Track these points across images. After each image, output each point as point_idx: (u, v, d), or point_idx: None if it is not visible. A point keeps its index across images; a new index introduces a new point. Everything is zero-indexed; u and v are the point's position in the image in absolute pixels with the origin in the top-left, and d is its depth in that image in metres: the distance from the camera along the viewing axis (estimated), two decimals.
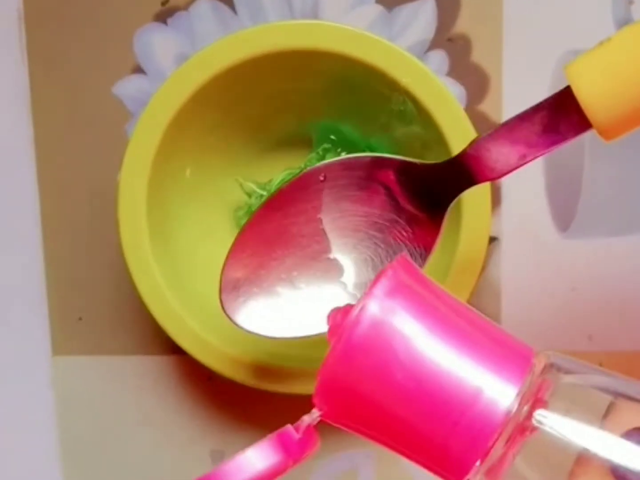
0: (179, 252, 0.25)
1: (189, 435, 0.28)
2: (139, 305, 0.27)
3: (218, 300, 0.20)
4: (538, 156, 0.18)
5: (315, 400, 0.17)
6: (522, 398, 0.15)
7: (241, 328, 0.20)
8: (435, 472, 0.16)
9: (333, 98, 0.24)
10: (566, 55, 0.26)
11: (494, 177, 0.19)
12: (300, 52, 0.23)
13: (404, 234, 0.20)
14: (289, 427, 0.17)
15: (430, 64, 0.26)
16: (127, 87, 0.27)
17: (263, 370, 0.24)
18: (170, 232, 0.25)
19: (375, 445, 0.28)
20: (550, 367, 0.16)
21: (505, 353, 0.16)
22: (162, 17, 0.26)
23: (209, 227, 0.26)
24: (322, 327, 0.19)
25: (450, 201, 0.20)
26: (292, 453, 0.17)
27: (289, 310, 0.20)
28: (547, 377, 0.16)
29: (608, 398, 0.16)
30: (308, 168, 0.20)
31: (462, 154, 0.19)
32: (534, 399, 0.16)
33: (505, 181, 0.26)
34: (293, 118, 0.25)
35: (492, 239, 0.27)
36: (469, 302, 0.26)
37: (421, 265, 0.20)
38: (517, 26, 0.26)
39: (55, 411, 0.28)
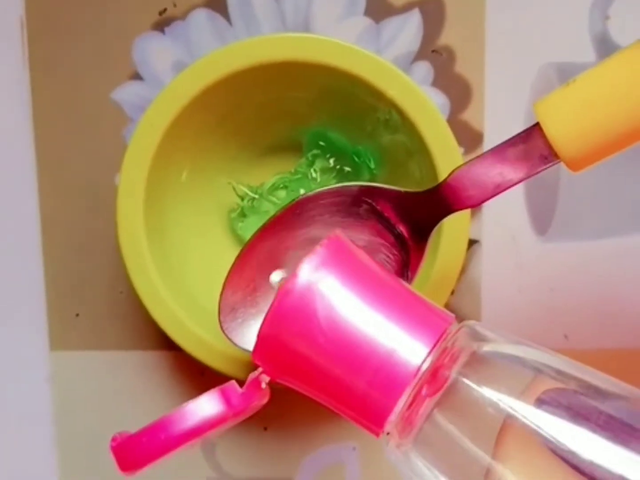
0: (174, 251, 0.25)
1: None
2: (135, 302, 0.27)
3: (215, 315, 0.21)
4: (512, 186, 0.20)
5: (254, 358, 0.18)
6: (437, 358, 0.17)
7: (239, 347, 0.21)
8: (360, 423, 0.18)
9: (323, 107, 0.25)
10: (546, 67, 0.26)
11: (471, 204, 0.20)
12: (292, 63, 0.23)
13: (391, 256, 0.21)
14: (232, 382, 0.18)
15: (415, 75, 0.26)
16: (126, 93, 0.27)
17: (254, 364, 0.24)
18: (166, 232, 0.25)
19: (361, 438, 0.29)
20: (469, 334, 0.18)
21: (424, 319, 0.18)
22: (160, 26, 0.27)
23: (203, 228, 0.26)
24: None
25: (432, 227, 0.21)
26: (234, 406, 0.18)
27: None
28: (465, 343, 0.18)
29: (531, 370, 0.18)
30: (302, 196, 0.21)
31: (442, 184, 0.20)
32: (449, 360, 0.17)
33: None
34: (284, 125, 0.25)
35: (473, 242, 0.27)
36: (449, 301, 0.27)
37: (409, 284, 0.21)
38: (499, 39, 0.26)
39: (52, 405, 0.28)
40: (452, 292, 0.26)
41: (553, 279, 0.27)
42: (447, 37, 0.26)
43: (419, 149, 0.23)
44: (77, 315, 0.28)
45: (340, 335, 0.17)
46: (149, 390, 0.28)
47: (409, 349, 0.17)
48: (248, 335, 0.21)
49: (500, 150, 0.19)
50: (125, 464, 0.18)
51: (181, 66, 0.27)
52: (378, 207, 0.21)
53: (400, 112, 0.23)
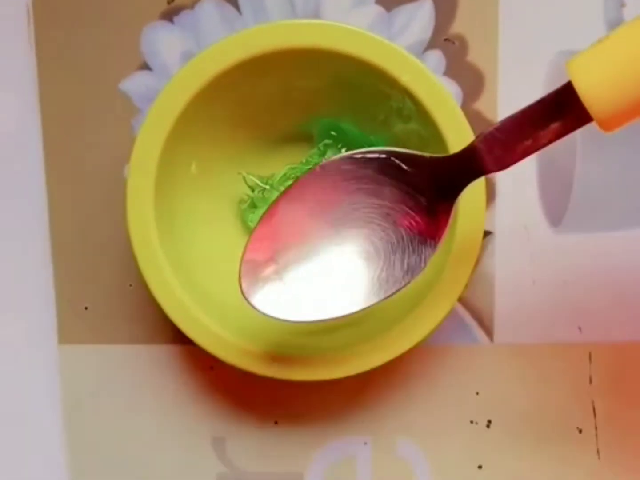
0: (184, 243, 0.25)
1: (191, 422, 0.28)
2: (144, 296, 0.27)
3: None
4: (541, 147, 0.19)
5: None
6: None
7: (259, 312, 0.21)
8: None
9: (334, 95, 0.25)
10: (559, 55, 0.26)
11: (499, 168, 0.20)
12: (302, 50, 0.23)
13: (414, 224, 0.21)
14: None
15: (427, 64, 0.26)
16: (134, 83, 0.27)
17: (265, 357, 0.24)
18: (177, 223, 0.25)
19: (373, 433, 0.28)
20: None
21: None
22: (168, 15, 0.26)
23: (213, 219, 0.26)
24: (334, 312, 0.21)
25: (459, 192, 0.20)
26: None
27: (303, 296, 0.21)
28: None
29: None
30: (324, 161, 0.21)
31: (470, 147, 0.20)
32: None
33: (500, 177, 0.27)
34: (295, 115, 0.25)
35: (487, 233, 0.27)
36: (463, 293, 0.26)
37: (430, 255, 0.21)
38: (512, 27, 0.26)
39: (61, 398, 0.28)
40: (465, 285, 0.26)
41: (567, 271, 0.27)
42: (460, 26, 0.26)
43: (433, 137, 0.23)
44: (86, 308, 0.28)
45: None
46: (158, 384, 0.28)
47: None
48: (268, 300, 0.21)
49: (529, 111, 0.19)
50: None
51: (190, 56, 0.27)
52: (402, 173, 0.20)
53: (414, 100, 0.23)
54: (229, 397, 0.28)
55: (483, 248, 0.27)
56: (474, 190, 0.23)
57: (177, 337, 0.27)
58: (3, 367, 0.29)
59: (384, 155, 0.21)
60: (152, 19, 0.26)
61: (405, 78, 0.22)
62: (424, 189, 0.21)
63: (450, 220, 0.21)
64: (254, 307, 0.21)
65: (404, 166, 0.20)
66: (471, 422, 0.28)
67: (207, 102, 0.24)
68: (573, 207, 0.27)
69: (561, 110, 0.19)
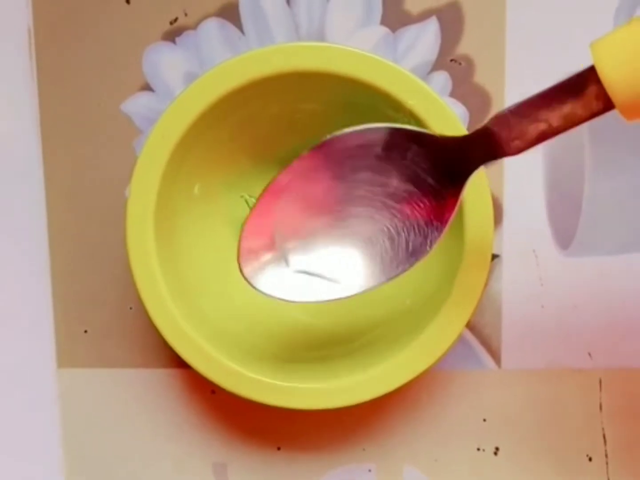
0: (185, 267, 0.25)
1: (191, 447, 0.28)
2: (145, 319, 0.27)
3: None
4: (557, 134, 0.19)
5: None
6: None
7: (260, 291, 0.21)
8: None
9: (338, 118, 0.24)
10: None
11: (512, 152, 0.19)
12: (306, 73, 0.23)
13: (421, 205, 0.20)
14: None
15: (433, 85, 0.26)
16: (136, 105, 0.27)
17: (265, 384, 0.24)
18: (178, 247, 0.25)
19: (377, 460, 0.28)
20: None
21: None
22: (171, 36, 0.26)
23: (215, 243, 0.26)
24: (336, 293, 0.20)
25: (468, 175, 0.20)
26: None
27: (304, 276, 0.21)
28: None
29: None
30: (329, 135, 0.20)
31: (483, 128, 0.19)
32: None
33: (507, 199, 0.26)
34: (298, 138, 0.25)
35: (494, 256, 0.27)
36: (471, 318, 0.26)
37: (436, 238, 0.20)
38: (519, 48, 0.26)
39: (60, 423, 0.28)
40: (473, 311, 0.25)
41: (576, 295, 0.27)
42: (466, 46, 0.26)
43: None
44: (86, 331, 0.28)
45: None
46: (158, 408, 0.28)
47: None
48: (268, 280, 0.21)
49: (548, 94, 0.18)
50: None
51: (192, 77, 0.26)
52: (410, 152, 0.20)
53: (420, 123, 0.22)
54: (230, 421, 0.28)
55: (490, 272, 0.27)
56: (481, 213, 0.23)
57: (179, 361, 0.27)
58: (2, 391, 0.29)
59: (390, 131, 0.20)
60: (154, 39, 0.26)
61: (412, 102, 0.22)
62: (432, 170, 0.20)
63: (458, 204, 0.20)
64: (258, 290, 0.20)
65: (412, 145, 0.20)
66: (478, 449, 0.28)
67: (209, 124, 0.24)
68: (582, 229, 0.27)
69: (581, 94, 0.18)
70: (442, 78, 0.26)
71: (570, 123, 0.18)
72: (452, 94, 0.26)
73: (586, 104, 0.18)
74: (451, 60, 0.26)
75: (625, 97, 0.18)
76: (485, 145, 0.19)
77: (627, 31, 0.18)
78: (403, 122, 0.23)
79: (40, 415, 0.28)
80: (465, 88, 0.26)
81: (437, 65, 0.26)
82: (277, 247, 0.21)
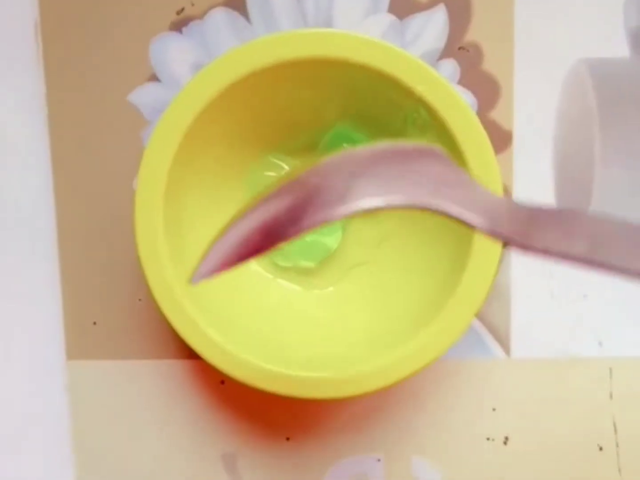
0: (194, 258, 0.25)
1: (201, 438, 0.28)
2: (154, 310, 0.27)
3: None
4: None
5: None
6: None
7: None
8: None
9: (346, 105, 0.24)
10: (577, 63, 0.26)
11: None
12: (314, 60, 0.22)
13: None
14: None
15: (441, 73, 0.26)
16: (143, 95, 0.27)
17: (275, 374, 0.24)
18: (186, 238, 0.25)
19: (386, 449, 0.28)
20: None
21: None
22: (178, 26, 0.26)
23: None
24: None
25: None
26: None
27: None
28: None
29: None
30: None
31: None
32: None
33: (515, 188, 0.26)
34: (306, 125, 0.25)
35: (504, 245, 0.27)
36: (480, 308, 0.26)
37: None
38: (528, 35, 0.26)
39: (69, 414, 0.28)
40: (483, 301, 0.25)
41: (586, 285, 0.27)
42: (474, 33, 0.26)
43: (450, 148, 0.23)
44: (95, 323, 0.28)
45: None
46: (168, 399, 0.28)
47: None
48: None
49: None
50: None
51: (199, 67, 0.26)
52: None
53: (429, 110, 0.22)
54: (239, 412, 0.28)
55: (500, 260, 0.26)
56: None
57: (188, 352, 0.27)
58: (11, 383, 0.29)
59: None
60: (161, 30, 0.26)
61: (420, 88, 0.22)
62: None
63: None
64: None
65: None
66: (487, 439, 0.28)
67: (217, 114, 0.23)
68: None
69: None
70: (450, 66, 0.26)
71: None
72: (461, 82, 0.26)
73: None
74: (459, 48, 0.26)
75: None
76: None
77: None
78: (411, 109, 0.23)
79: (50, 407, 0.28)
80: (474, 76, 0.26)
81: (445, 53, 0.26)
82: None
